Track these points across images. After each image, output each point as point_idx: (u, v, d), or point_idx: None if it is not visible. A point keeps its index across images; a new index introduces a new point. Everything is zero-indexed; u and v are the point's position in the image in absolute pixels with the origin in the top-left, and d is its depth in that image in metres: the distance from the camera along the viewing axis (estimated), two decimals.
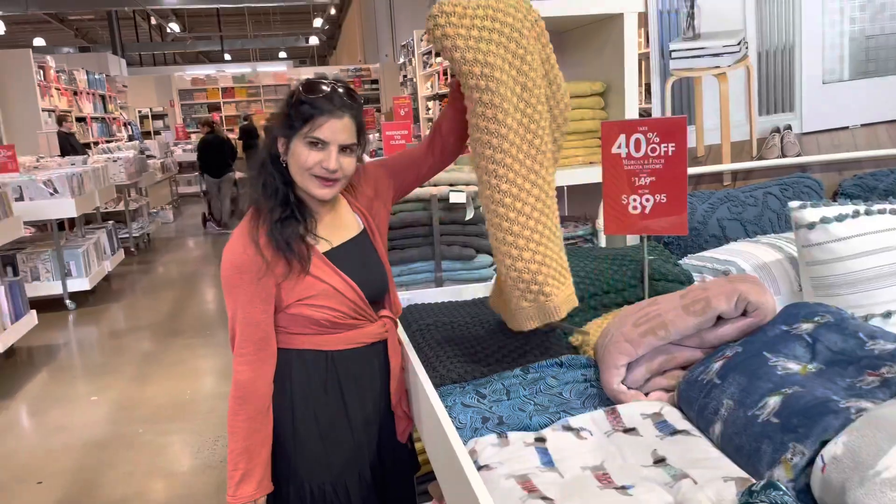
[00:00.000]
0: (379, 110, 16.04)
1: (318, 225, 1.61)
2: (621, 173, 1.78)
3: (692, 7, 2.46)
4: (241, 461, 1.56)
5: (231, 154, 10.48)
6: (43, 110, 11.27)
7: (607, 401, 1.38)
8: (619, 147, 1.78)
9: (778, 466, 1.01)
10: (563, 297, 1.53)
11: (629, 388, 1.36)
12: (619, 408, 1.30)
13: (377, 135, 7.48)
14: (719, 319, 1.34)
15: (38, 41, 20.08)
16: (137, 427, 3.92)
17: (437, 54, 10.32)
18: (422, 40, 11.81)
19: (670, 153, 1.77)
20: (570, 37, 2.79)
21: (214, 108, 18.73)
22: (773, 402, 1.09)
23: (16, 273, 5.98)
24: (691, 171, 2.22)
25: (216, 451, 3.56)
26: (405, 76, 14.15)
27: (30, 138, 10.44)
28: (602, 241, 2.54)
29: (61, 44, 24.43)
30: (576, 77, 2.74)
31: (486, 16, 1.52)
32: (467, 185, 2.37)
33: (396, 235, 2.35)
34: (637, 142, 1.78)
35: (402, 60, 14.56)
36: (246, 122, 13.19)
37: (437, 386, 1.52)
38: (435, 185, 2.42)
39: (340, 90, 1.55)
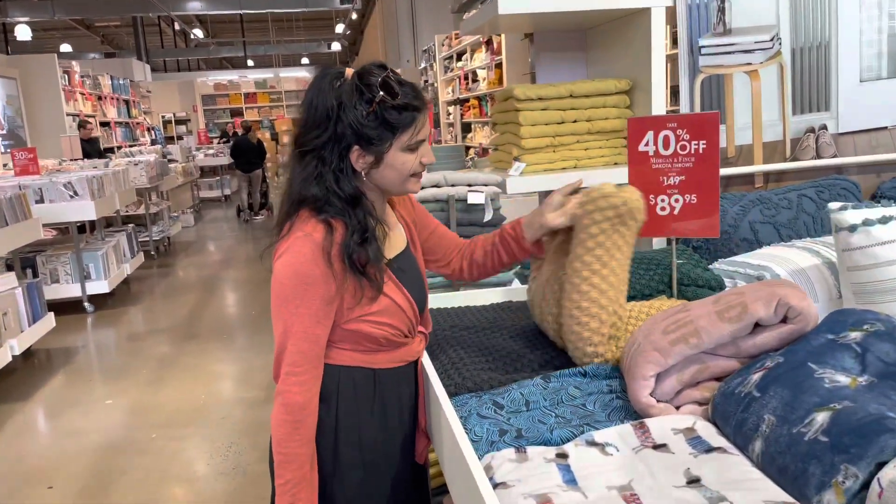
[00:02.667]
0: None
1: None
2: (649, 172, 1.68)
3: (723, 1, 2.35)
4: (303, 491, 1.39)
5: (259, 154, 11.86)
6: (68, 114, 11.39)
7: (634, 414, 1.28)
8: (646, 144, 1.68)
9: (828, 490, 0.91)
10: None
11: (659, 400, 1.26)
12: (648, 422, 1.20)
13: None
14: (757, 326, 1.24)
15: (65, 47, 20.35)
16: (151, 432, 3.86)
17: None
18: (443, 45, 11.75)
19: (701, 151, 1.67)
20: (595, 33, 2.70)
21: (237, 113, 18.87)
22: (822, 418, 0.99)
23: (35, 275, 5.99)
24: (722, 171, 2.11)
25: (228, 458, 3.50)
26: (426, 81, 14.09)
27: (54, 142, 10.54)
28: None
29: (88, 50, 24.78)
30: (601, 74, 2.64)
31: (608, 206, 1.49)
32: (486, 185, 2.29)
33: None
34: (666, 139, 1.68)
35: (423, 65, 14.52)
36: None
37: (451, 395, 1.43)
38: (453, 186, 2.34)
39: (404, 81, 1.42)
